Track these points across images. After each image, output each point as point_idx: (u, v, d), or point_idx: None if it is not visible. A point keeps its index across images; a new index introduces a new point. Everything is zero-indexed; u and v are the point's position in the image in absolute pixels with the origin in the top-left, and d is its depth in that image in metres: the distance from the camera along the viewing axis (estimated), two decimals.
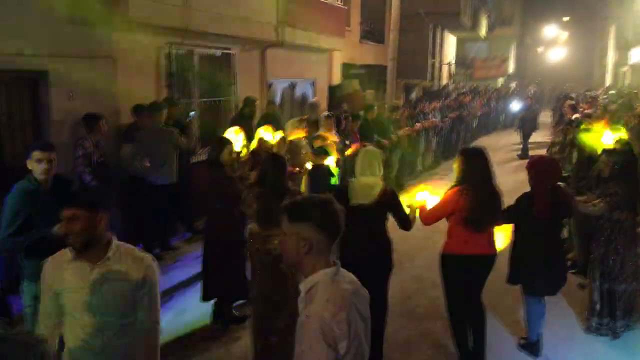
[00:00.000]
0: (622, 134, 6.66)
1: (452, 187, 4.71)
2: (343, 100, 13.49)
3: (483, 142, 20.12)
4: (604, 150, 5.84)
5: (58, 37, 6.48)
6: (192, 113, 7.81)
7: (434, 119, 13.74)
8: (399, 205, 4.66)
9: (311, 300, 2.15)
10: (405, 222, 4.68)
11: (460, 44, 30.66)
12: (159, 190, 7.18)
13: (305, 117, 9.27)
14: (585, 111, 13.01)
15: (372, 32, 18.30)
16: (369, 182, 4.58)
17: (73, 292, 2.73)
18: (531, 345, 5.10)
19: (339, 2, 13.54)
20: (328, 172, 6.78)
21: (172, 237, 7.98)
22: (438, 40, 23.65)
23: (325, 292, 2.15)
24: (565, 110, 12.20)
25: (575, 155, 7.76)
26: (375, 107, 10.97)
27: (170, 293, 6.29)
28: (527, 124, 16.94)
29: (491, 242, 4.70)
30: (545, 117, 22.14)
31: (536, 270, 4.81)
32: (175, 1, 7.81)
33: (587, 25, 45.04)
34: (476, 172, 4.63)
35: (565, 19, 46.89)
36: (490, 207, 4.63)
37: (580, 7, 42.35)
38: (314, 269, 2.22)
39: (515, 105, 20.02)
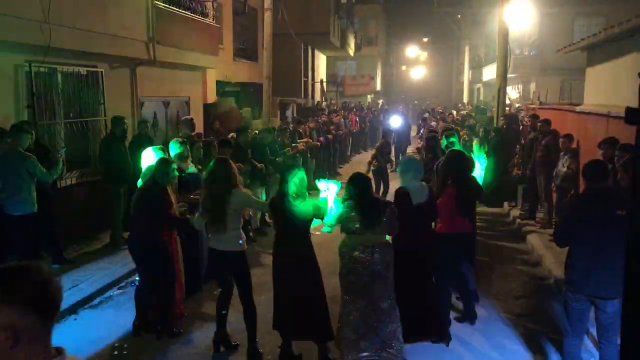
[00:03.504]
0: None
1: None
2: (217, 118, 13.33)
3: (360, 158, 20.86)
4: None
5: None
6: (62, 149, 7.21)
7: (311, 140, 13.72)
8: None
9: None
10: (436, 216, 5.63)
11: (330, 62, 31.71)
12: (17, 220, 6.55)
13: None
14: (432, 123, 14.29)
15: (246, 51, 18.35)
16: (417, 185, 5.38)
17: None
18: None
19: (210, 20, 13.42)
20: None
21: None
22: (310, 59, 24.27)
23: None
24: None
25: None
26: (249, 130, 10.34)
27: None
28: (402, 139, 17.79)
29: (470, 223, 5.97)
30: (412, 131, 23.45)
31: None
32: (34, 16, 7.29)
33: (444, 45, 48.53)
34: (454, 170, 5.78)
35: (425, 39, 50.20)
36: (470, 195, 5.89)
37: (438, 28, 45.52)
38: None
39: (396, 121, 18.82)
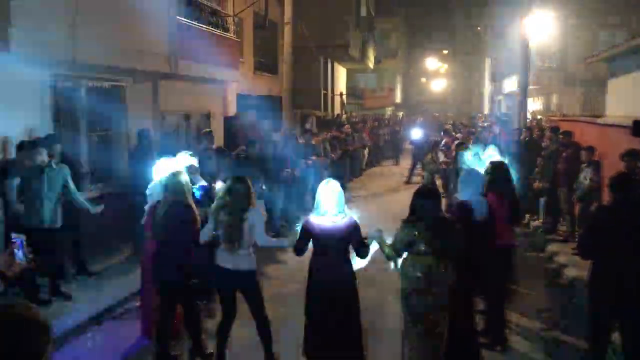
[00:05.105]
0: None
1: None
2: (238, 131, 13.43)
3: (375, 172, 20.82)
4: None
5: None
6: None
7: (323, 157, 13.49)
8: None
9: None
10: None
11: (350, 75, 31.80)
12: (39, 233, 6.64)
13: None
14: (457, 135, 14.25)
15: (266, 64, 18.52)
16: (479, 200, 5.22)
17: None
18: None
19: (231, 34, 13.59)
20: None
21: (63, 282, 7.42)
22: (329, 72, 24.37)
23: None
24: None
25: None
26: (257, 144, 10.32)
27: (60, 342, 5.85)
28: (420, 152, 17.64)
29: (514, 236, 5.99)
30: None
31: None
32: (61, 32, 7.45)
33: (465, 57, 48.45)
34: (501, 181, 5.66)
35: (445, 51, 50.15)
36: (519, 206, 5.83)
37: (459, 40, 45.53)
38: None
39: (417, 133, 18.96)
